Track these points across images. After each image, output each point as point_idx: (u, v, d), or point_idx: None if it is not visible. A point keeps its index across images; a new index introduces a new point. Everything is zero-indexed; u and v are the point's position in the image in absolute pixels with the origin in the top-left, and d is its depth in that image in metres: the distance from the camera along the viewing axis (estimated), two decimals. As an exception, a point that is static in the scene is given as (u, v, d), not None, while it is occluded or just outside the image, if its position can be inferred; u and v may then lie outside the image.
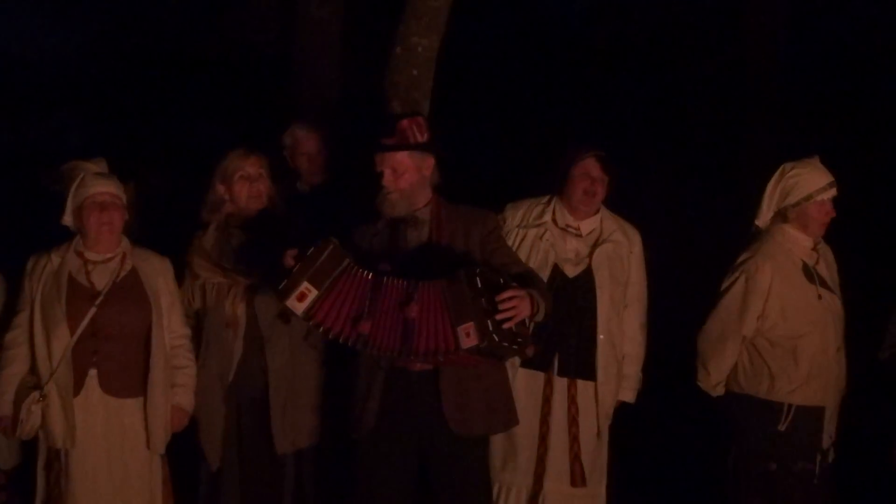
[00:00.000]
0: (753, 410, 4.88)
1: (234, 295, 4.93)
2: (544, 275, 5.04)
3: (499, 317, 4.08)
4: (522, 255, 5.08)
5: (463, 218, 4.54)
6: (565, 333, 5.11)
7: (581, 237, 5.22)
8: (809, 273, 4.87)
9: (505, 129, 9.40)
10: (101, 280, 4.72)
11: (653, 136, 9.37)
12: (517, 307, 4.12)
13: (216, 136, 7.61)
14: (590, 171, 5.15)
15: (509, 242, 5.09)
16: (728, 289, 4.89)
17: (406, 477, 4.49)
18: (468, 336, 4.08)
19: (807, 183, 4.83)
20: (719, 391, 5.00)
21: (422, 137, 4.49)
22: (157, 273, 4.84)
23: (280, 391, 4.91)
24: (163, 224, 5.80)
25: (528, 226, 5.24)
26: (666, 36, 9.86)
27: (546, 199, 5.31)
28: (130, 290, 4.74)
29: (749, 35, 9.26)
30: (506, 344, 4.11)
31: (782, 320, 4.80)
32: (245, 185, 5.02)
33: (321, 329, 4.23)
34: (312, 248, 4.19)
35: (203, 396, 4.93)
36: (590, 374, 5.13)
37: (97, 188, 4.72)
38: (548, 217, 5.24)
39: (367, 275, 4.20)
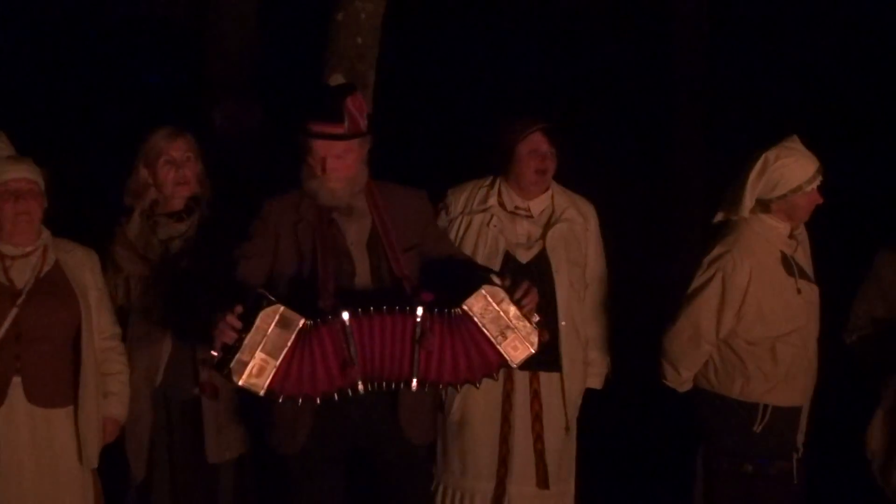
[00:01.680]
0: (726, 410, 4.57)
1: (162, 290, 4.54)
2: (495, 263, 4.73)
3: (526, 311, 3.80)
4: (469, 244, 4.79)
5: (399, 200, 4.14)
6: None
7: (532, 218, 4.88)
8: (789, 264, 4.53)
9: (436, 101, 9.09)
10: (21, 277, 4.26)
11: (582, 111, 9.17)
12: (535, 296, 3.84)
13: (130, 115, 7.18)
14: (538, 147, 4.80)
15: (453, 231, 4.82)
16: (702, 287, 4.51)
17: (338, 494, 4.19)
18: (516, 350, 3.81)
19: (794, 174, 4.44)
20: (687, 387, 4.68)
21: (363, 118, 4.04)
22: (83, 266, 4.39)
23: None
24: (80, 211, 5.37)
25: (472, 211, 4.89)
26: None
27: (489, 180, 4.96)
28: (55, 286, 4.29)
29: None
30: (542, 340, 3.87)
31: (760, 321, 4.48)
32: (171, 170, 4.61)
33: (282, 399, 3.78)
34: (260, 315, 3.69)
35: (131, 399, 4.53)
36: (553, 364, 4.81)
37: (10, 174, 4.26)
38: (493, 200, 4.89)
39: (339, 321, 3.75)
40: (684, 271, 7.71)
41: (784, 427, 4.54)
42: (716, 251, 4.52)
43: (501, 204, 4.88)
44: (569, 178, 5.01)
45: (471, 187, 4.95)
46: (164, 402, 4.60)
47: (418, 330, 3.76)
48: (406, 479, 4.16)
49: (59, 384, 4.26)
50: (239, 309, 3.70)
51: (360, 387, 3.79)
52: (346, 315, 3.74)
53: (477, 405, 4.76)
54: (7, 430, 4.19)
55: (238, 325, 3.68)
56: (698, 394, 4.65)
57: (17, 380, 4.21)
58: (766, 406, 4.50)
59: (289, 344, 3.71)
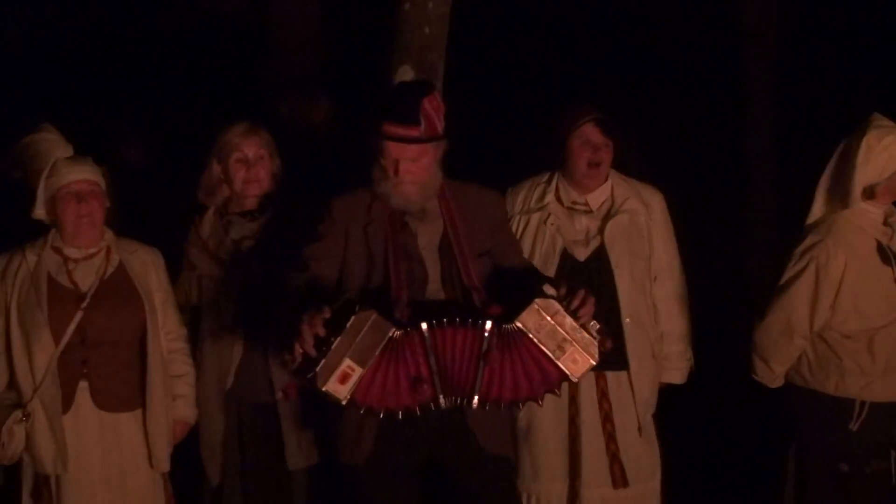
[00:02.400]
0: (820, 407, 4.40)
1: (233, 291, 4.43)
2: (553, 263, 4.57)
3: (583, 321, 3.66)
4: (527, 244, 4.60)
5: (473, 203, 3.95)
6: None
7: (591, 213, 4.69)
8: (885, 253, 4.36)
9: (503, 99, 8.98)
10: (86, 279, 4.19)
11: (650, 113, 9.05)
12: (591, 306, 3.68)
13: (194, 112, 7.13)
14: (590, 138, 4.60)
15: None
16: (795, 278, 4.35)
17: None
18: (575, 363, 3.65)
19: None
20: (779, 383, 4.52)
21: (442, 117, 3.85)
22: (148, 267, 4.32)
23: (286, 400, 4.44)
24: (146, 210, 5.38)
25: (530, 210, 4.71)
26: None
27: (546, 176, 4.77)
28: (119, 288, 4.22)
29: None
30: (603, 349, 3.72)
31: (855, 313, 4.31)
32: (242, 168, 4.49)
33: (363, 411, 3.65)
34: (353, 318, 3.56)
35: (200, 403, 4.47)
36: (620, 363, 4.61)
37: (72, 176, 4.18)
38: (550, 197, 4.70)
39: (417, 329, 3.62)
40: (761, 263, 7.58)
41: (882, 424, 4.37)
42: (808, 241, 4.36)
43: (559, 199, 4.71)
44: (640, 172, 4.86)
45: (528, 185, 4.79)
46: (235, 405, 4.51)
47: (485, 345, 3.63)
48: (485, 493, 3.96)
49: (126, 388, 4.20)
50: (327, 312, 3.56)
51: (443, 401, 3.67)
52: (424, 326, 3.61)
53: (543, 410, 4.49)
54: (75, 435, 4.14)
55: (322, 330, 3.54)
56: (791, 390, 4.50)
57: (83, 384, 4.15)
58: (862, 402, 4.34)
59: (377, 353, 3.58)
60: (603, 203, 4.69)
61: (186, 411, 4.38)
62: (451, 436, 3.87)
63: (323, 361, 3.54)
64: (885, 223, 4.41)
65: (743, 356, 4.58)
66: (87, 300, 4.14)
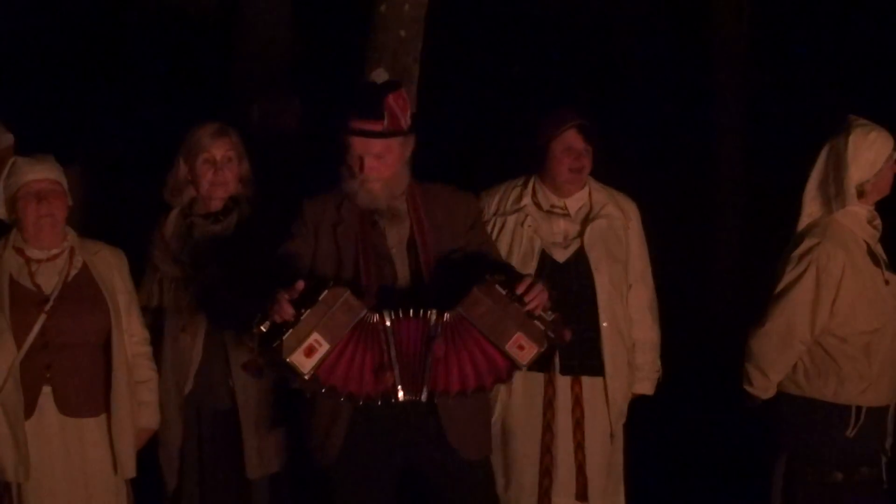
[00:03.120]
0: (817, 415, 4.35)
1: (193, 293, 4.37)
2: (531, 264, 4.56)
3: (530, 308, 3.61)
4: (504, 245, 4.59)
5: (443, 204, 3.96)
6: None
7: (569, 216, 4.69)
8: (874, 255, 4.36)
9: (475, 100, 8.95)
10: (49, 281, 4.11)
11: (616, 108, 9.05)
12: (542, 293, 3.65)
13: (162, 113, 7.06)
14: (573, 144, 4.60)
15: None
16: (794, 282, 4.31)
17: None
18: (522, 349, 3.61)
19: (884, 144, 4.33)
20: (771, 394, 4.46)
21: (406, 116, 3.85)
22: (112, 268, 4.24)
23: (250, 406, 4.36)
24: (111, 210, 5.32)
25: (505, 212, 4.70)
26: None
27: (521, 180, 4.77)
28: (83, 291, 4.14)
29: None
30: (554, 336, 3.66)
31: (853, 315, 4.28)
32: (209, 170, 4.42)
33: (325, 390, 3.63)
34: (325, 292, 3.56)
35: (161, 407, 4.40)
36: (596, 368, 4.61)
37: (32, 175, 4.10)
38: (527, 200, 4.70)
39: (381, 318, 3.62)
40: (730, 271, 7.57)
41: (875, 429, 4.37)
42: (805, 244, 4.33)
43: (536, 203, 4.71)
44: (607, 177, 4.84)
45: (504, 188, 4.78)
46: (195, 410, 4.45)
47: (432, 334, 3.61)
48: (456, 495, 3.96)
49: (90, 393, 4.12)
50: (300, 285, 3.56)
51: (401, 394, 3.66)
52: (386, 315, 3.62)
53: (518, 414, 4.59)
54: (38, 441, 4.05)
55: (294, 298, 3.54)
56: (783, 399, 4.44)
57: (46, 389, 4.06)
58: (859, 408, 4.32)
59: (347, 331, 3.58)
60: (581, 207, 4.71)
61: (150, 418, 4.30)
62: (425, 438, 3.86)
63: (290, 331, 3.54)
64: (871, 224, 4.40)
65: (707, 369, 4.55)
66: (51, 303, 4.05)
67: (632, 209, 4.77)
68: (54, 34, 8.60)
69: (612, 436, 4.67)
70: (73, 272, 4.15)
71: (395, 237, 3.90)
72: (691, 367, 4.78)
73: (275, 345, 3.58)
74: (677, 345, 4.94)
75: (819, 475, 4.35)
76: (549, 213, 4.68)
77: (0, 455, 4.01)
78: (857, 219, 4.35)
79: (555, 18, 9.59)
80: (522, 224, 4.65)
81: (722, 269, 8.62)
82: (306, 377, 3.59)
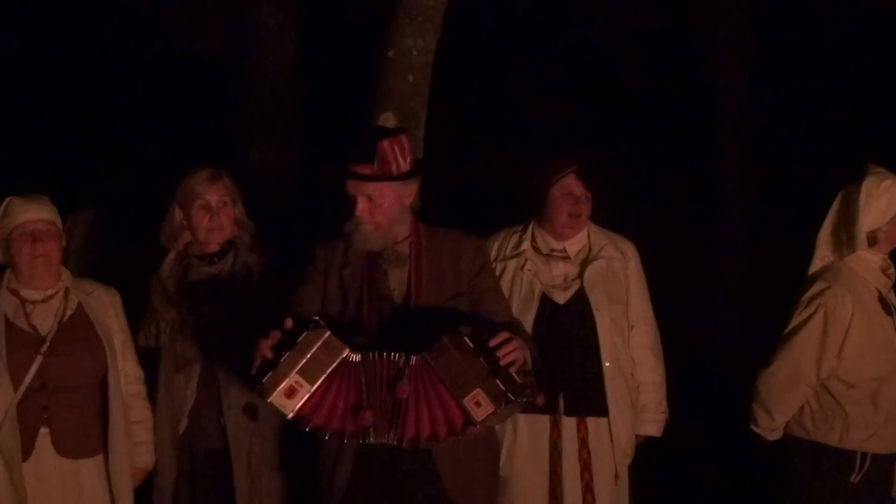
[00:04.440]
0: (822, 459, 4.34)
1: (187, 335, 4.36)
2: (531, 307, 4.56)
3: (504, 363, 3.54)
4: (505, 289, 4.53)
5: (449, 248, 3.93)
6: (566, 367, 4.56)
7: (569, 259, 4.69)
8: (885, 303, 4.36)
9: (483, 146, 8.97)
10: (44, 322, 4.11)
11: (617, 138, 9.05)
12: (515, 350, 3.58)
13: (167, 154, 7.07)
14: (572, 190, 4.62)
15: None
16: (802, 325, 4.31)
17: None
18: (479, 406, 3.53)
19: None
20: (777, 436, 4.45)
21: (405, 162, 3.83)
22: (107, 307, 4.25)
23: (242, 445, 4.34)
24: (113, 252, 5.33)
25: (505, 257, 4.71)
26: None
27: (521, 226, 4.79)
28: (79, 331, 4.14)
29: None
30: (521, 399, 3.58)
31: (861, 362, 4.28)
32: (205, 216, 4.41)
33: (310, 428, 3.64)
34: (304, 335, 3.57)
35: (155, 446, 4.40)
36: (600, 408, 4.59)
37: (27, 215, 4.11)
38: (526, 244, 4.71)
39: (357, 357, 3.61)
40: (729, 316, 7.55)
41: (881, 477, 4.34)
42: (815, 288, 4.33)
43: (535, 247, 4.72)
44: (607, 217, 4.85)
45: (504, 234, 4.80)
46: (188, 450, 4.44)
47: (397, 377, 3.59)
48: None
49: (87, 433, 4.12)
50: (289, 323, 3.60)
51: (373, 435, 3.63)
52: (358, 356, 3.61)
53: (523, 458, 4.56)
54: (35, 482, 4.04)
55: (276, 339, 3.57)
56: (790, 442, 4.44)
57: (44, 431, 4.05)
58: (864, 454, 4.30)
59: (328, 371, 3.58)
60: (580, 250, 4.71)
61: (146, 458, 4.30)
62: (420, 483, 3.82)
63: (270, 374, 3.56)
64: (885, 273, 4.40)
65: (713, 412, 4.53)
66: (47, 344, 4.05)
67: (630, 250, 4.77)
68: (60, 77, 8.64)
69: (616, 476, 4.64)
70: (69, 312, 4.15)
71: (396, 280, 3.90)
72: (698, 409, 4.74)
73: (256, 389, 3.61)
74: (681, 385, 4.92)
75: None
76: (549, 256, 4.69)
77: (-4, 497, 4.01)
78: (869, 266, 4.35)
79: (556, 47, 9.63)
80: (522, 268, 4.66)
81: (725, 309, 8.59)
82: (289, 417, 3.61)
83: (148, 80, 8.46)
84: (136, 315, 4.43)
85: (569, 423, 4.58)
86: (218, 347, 4.25)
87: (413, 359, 3.59)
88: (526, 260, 4.67)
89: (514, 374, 3.56)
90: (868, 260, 4.34)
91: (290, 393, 3.56)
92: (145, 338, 4.46)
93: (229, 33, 7.55)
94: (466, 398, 3.54)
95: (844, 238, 4.36)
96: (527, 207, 4.76)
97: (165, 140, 7.84)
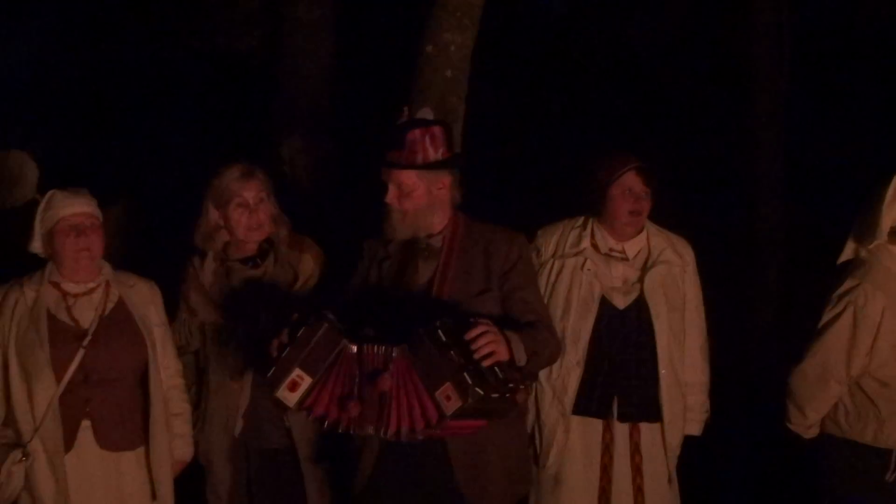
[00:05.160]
0: (856, 457, 4.29)
1: (239, 343, 4.36)
2: (591, 309, 4.50)
3: (476, 356, 3.50)
4: (562, 289, 4.54)
5: (483, 244, 3.93)
6: (623, 373, 4.52)
7: (628, 261, 4.62)
8: None
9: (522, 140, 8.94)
10: (86, 316, 4.12)
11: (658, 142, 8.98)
12: (492, 344, 3.52)
13: (201, 150, 7.08)
14: (633, 188, 4.54)
15: (544, 275, 4.56)
16: (831, 322, 4.26)
17: None
18: (448, 399, 3.50)
19: None
20: (813, 433, 4.42)
21: (435, 153, 3.85)
22: (147, 302, 4.26)
23: (306, 442, 4.36)
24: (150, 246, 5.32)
25: (564, 255, 4.62)
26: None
27: (580, 221, 4.69)
28: (120, 324, 4.15)
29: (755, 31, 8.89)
30: (494, 395, 3.53)
31: (892, 358, 4.21)
32: (244, 213, 4.36)
33: (313, 418, 3.70)
34: (303, 329, 3.63)
35: (209, 449, 4.43)
36: (654, 415, 4.56)
37: (71, 209, 4.11)
38: (586, 242, 4.62)
39: (353, 348, 3.63)
40: (768, 309, 7.44)
41: None
42: (846, 285, 4.26)
43: (595, 246, 4.64)
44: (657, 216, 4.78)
45: (562, 228, 4.70)
46: (244, 451, 4.44)
47: (381, 368, 3.60)
48: None
49: (128, 426, 4.13)
50: (294, 317, 3.69)
51: (357, 427, 3.64)
52: (354, 346, 3.63)
53: (575, 457, 4.53)
54: (77, 475, 4.06)
55: (284, 336, 3.66)
56: (826, 440, 4.39)
57: (86, 423, 4.07)
58: None
59: (327, 363, 3.62)
60: (639, 252, 4.64)
61: (185, 450, 4.32)
62: (433, 479, 3.85)
63: (273, 369, 3.64)
64: None
65: (753, 407, 4.50)
66: (89, 337, 4.06)
67: (688, 253, 4.71)
68: (96, 72, 8.66)
69: (669, 480, 4.62)
70: (110, 306, 4.16)
71: (426, 273, 3.91)
72: (738, 407, 4.71)
73: (264, 381, 3.71)
74: (722, 384, 4.89)
75: None
76: (608, 256, 4.62)
77: (39, 489, 4.01)
78: None
79: (594, 54, 9.59)
80: (582, 268, 4.58)
81: (763, 307, 8.52)
82: (292, 409, 3.69)
83: (182, 75, 8.48)
84: (168, 311, 4.41)
85: (621, 428, 4.55)
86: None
87: (394, 351, 3.59)
88: (586, 259, 4.59)
89: (488, 369, 3.51)
90: None
91: (293, 386, 3.63)
92: (185, 340, 4.48)
93: (266, 30, 7.58)
94: (438, 391, 3.52)
95: (867, 227, 4.28)
96: (583, 203, 4.69)
97: (198, 136, 7.88)
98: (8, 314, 4.09)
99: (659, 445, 4.57)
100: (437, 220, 3.93)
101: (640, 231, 4.65)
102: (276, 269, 4.41)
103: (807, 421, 4.37)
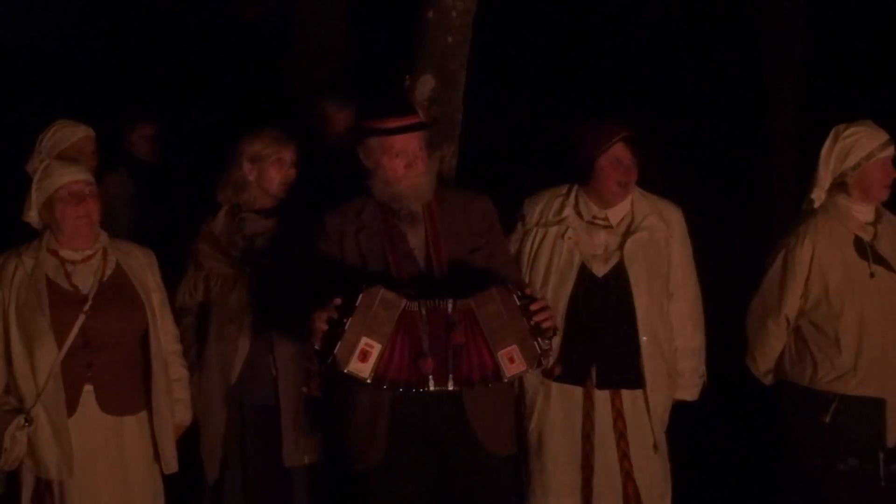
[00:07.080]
0: (798, 400, 4.47)
1: (242, 287, 4.49)
2: (570, 277, 4.52)
3: (543, 326, 3.65)
4: (544, 257, 4.58)
5: (460, 208, 4.04)
6: (601, 340, 4.52)
7: (611, 228, 4.60)
8: (862, 248, 4.41)
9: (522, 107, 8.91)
10: (85, 282, 4.14)
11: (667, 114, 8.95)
12: (552, 318, 3.71)
13: (213, 117, 7.11)
14: (621, 158, 4.52)
15: (528, 243, 4.62)
16: (770, 264, 4.51)
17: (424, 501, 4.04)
18: (512, 362, 3.64)
19: (866, 141, 4.40)
20: (769, 380, 4.61)
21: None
22: (144, 267, 4.28)
23: (290, 396, 4.46)
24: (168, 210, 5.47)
25: (547, 223, 4.63)
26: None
27: (565, 189, 4.69)
28: (120, 290, 4.18)
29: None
30: (543, 364, 3.73)
31: (825, 301, 4.38)
32: (281, 169, 4.61)
33: (387, 386, 3.71)
34: (360, 297, 3.63)
35: (202, 399, 4.51)
36: (636, 381, 4.56)
37: (69, 177, 4.14)
38: (569, 210, 4.62)
39: (414, 306, 3.68)
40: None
41: (862, 420, 4.38)
42: (788, 231, 4.52)
43: (578, 213, 4.63)
44: (657, 185, 4.78)
45: (546, 197, 4.71)
46: (238, 403, 4.54)
47: (449, 322, 3.66)
48: (480, 489, 4.01)
49: (130, 390, 4.16)
50: (338, 301, 3.65)
51: (432, 382, 3.70)
52: (416, 305, 3.67)
53: (555, 423, 4.56)
54: (80, 439, 4.08)
55: (335, 314, 3.63)
56: (779, 385, 4.59)
57: (88, 388, 4.09)
58: (833, 395, 4.38)
59: (393, 326, 3.64)
60: (623, 218, 4.62)
61: (184, 414, 4.37)
62: (453, 431, 3.92)
63: (339, 344, 3.61)
64: (874, 223, 4.46)
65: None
66: (90, 302, 4.08)
67: (675, 218, 4.67)
68: (110, 39, 8.69)
69: (655, 446, 4.62)
70: (108, 272, 4.18)
71: (415, 239, 3.99)
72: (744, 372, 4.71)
73: (329, 361, 3.66)
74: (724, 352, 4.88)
75: (802, 460, 4.44)
76: (591, 224, 4.61)
77: (42, 453, 4.04)
78: (848, 213, 4.43)
79: (604, 29, 9.54)
80: (563, 236, 4.59)
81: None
82: (368, 381, 3.66)
83: (197, 44, 8.50)
84: (169, 277, 4.46)
85: (602, 395, 4.55)
86: (274, 300, 4.36)
87: (459, 304, 3.65)
88: (567, 227, 4.59)
89: (545, 339, 3.66)
90: (845, 206, 4.43)
91: (364, 357, 3.62)
92: (189, 295, 4.56)
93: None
94: (501, 351, 3.62)
95: (812, 181, 4.49)
96: (571, 173, 4.67)
97: (214, 105, 7.90)
98: (7, 281, 4.10)
99: (642, 412, 4.58)
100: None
101: (627, 197, 4.64)
102: (289, 223, 4.54)
103: (757, 365, 4.58)
